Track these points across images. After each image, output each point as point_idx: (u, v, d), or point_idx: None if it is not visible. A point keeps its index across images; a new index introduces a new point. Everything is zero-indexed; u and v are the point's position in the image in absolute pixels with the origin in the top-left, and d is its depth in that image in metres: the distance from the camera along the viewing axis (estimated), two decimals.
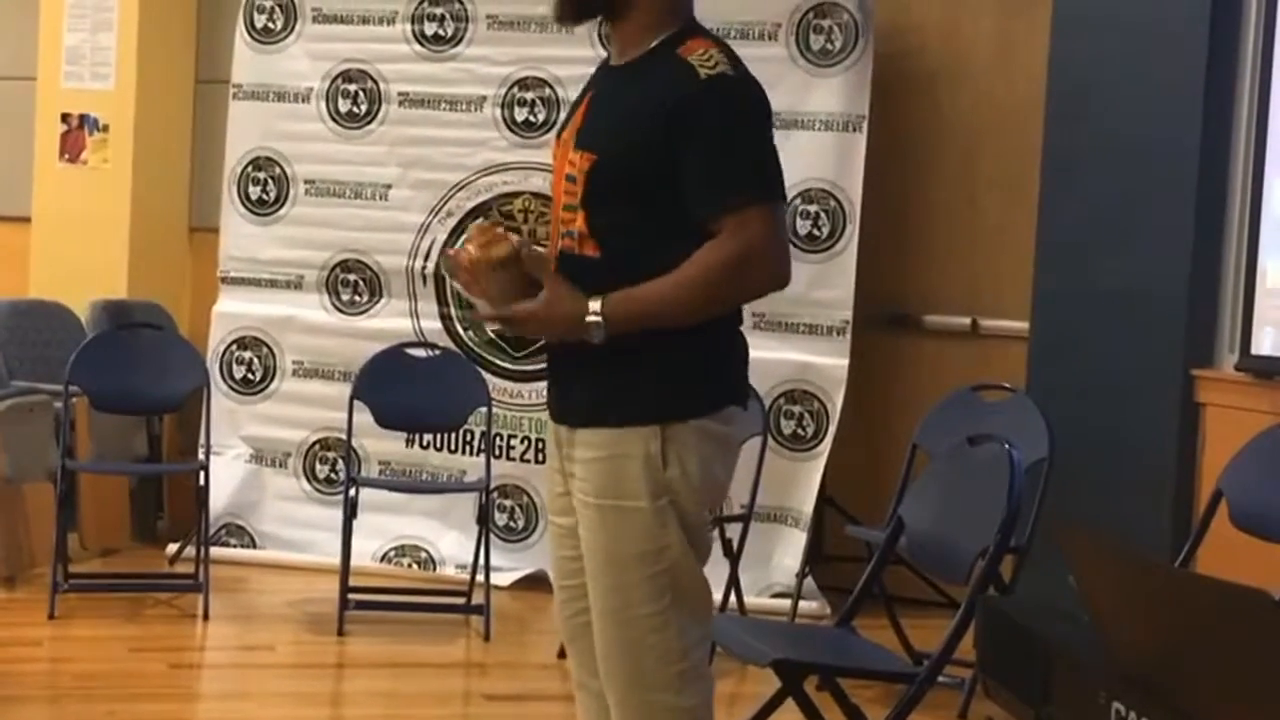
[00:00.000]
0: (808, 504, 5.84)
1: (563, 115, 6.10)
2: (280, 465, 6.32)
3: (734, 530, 5.24)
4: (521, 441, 6.14)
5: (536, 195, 6.18)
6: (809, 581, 5.68)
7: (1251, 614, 2.06)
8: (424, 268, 6.24)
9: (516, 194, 6.22)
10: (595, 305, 2.65)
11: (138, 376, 5.55)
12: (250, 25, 6.44)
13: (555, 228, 2.84)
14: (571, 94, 6.07)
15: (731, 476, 2.85)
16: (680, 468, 2.69)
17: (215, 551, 5.74)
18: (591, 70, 6.36)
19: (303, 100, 6.39)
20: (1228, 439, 4.72)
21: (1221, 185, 5.20)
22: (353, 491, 5.39)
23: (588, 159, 2.74)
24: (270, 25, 6.42)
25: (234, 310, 6.41)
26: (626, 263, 2.72)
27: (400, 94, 6.31)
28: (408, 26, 6.31)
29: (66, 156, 7.10)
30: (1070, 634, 2.74)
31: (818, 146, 5.90)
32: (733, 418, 2.79)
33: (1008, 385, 5.36)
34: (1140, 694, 2.41)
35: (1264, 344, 5.06)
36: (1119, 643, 2.50)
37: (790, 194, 5.92)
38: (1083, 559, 2.51)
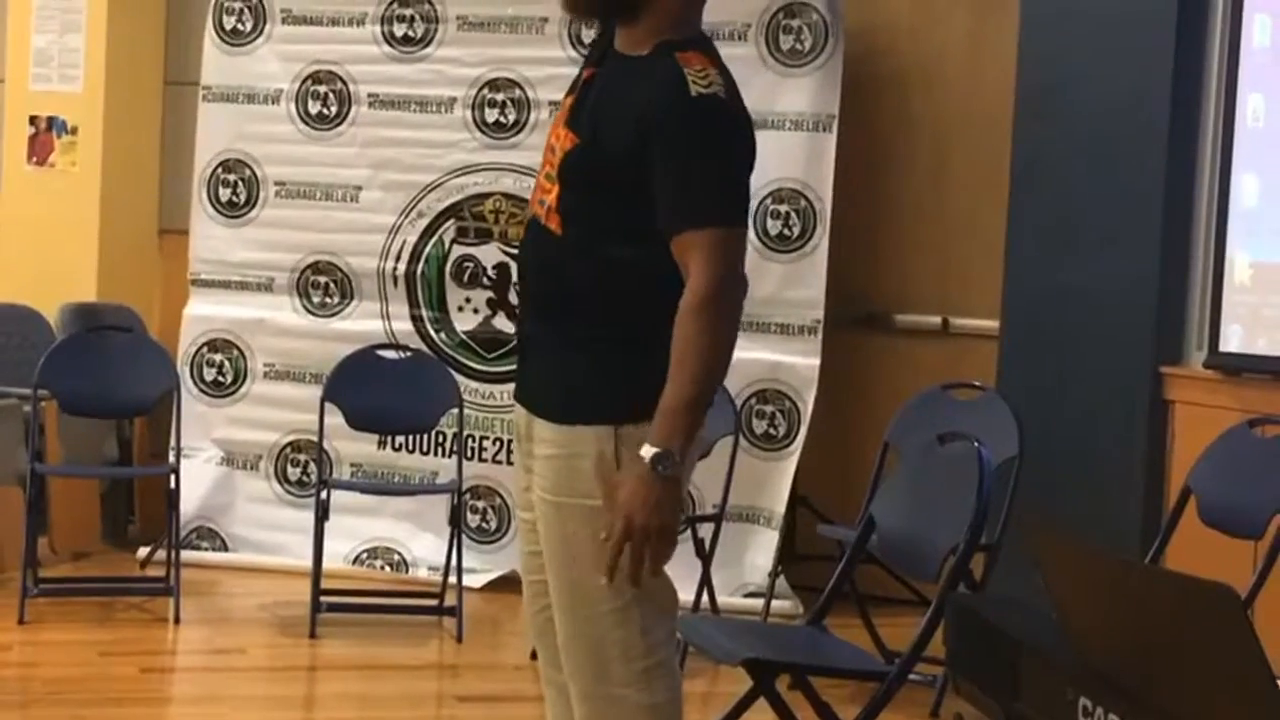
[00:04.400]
0: (780, 503, 5.85)
1: (533, 116, 6.18)
2: (251, 468, 6.29)
3: (706, 530, 5.25)
4: (494, 443, 6.13)
5: (508, 196, 6.18)
6: (781, 581, 5.69)
7: (1215, 608, 2.07)
8: (395, 269, 6.23)
9: (487, 195, 6.21)
10: (646, 449, 2.58)
11: (108, 379, 5.53)
12: (219, 27, 6.42)
13: (536, 190, 2.86)
14: (542, 95, 6.11)
15: (688, 479, 2.85)
16: None
17: (186, 555, 5.72)
18: (562, 70, 6.35)
19: (272, 102, 6.37)
20: (1196, 436, 4.75)
21: (1189, 182, 5.24)
22: (324, 494, 5.38)
23: (570, 139, 2.77)
24: (239, 27, 6.40)
25: (204, 313, 6.39)
26: (580, 249, 2.74)
27: (370, 95, 6.30)
28: (377, 28, 6.30)
29: (34, 159, 7.06)
30: (1038, 630, 2.75)
31: (788, 146, 5.91)
32: None
33: (978, 384, 5.38)
34: (1107, 689, 2.42)
35: (1232, 341, 5.10)
36: (1085, 638, 2.51)
37: (761, 194, 5.94)
38: (1048, 554, 2.52)
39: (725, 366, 2.67)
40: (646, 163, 2.66)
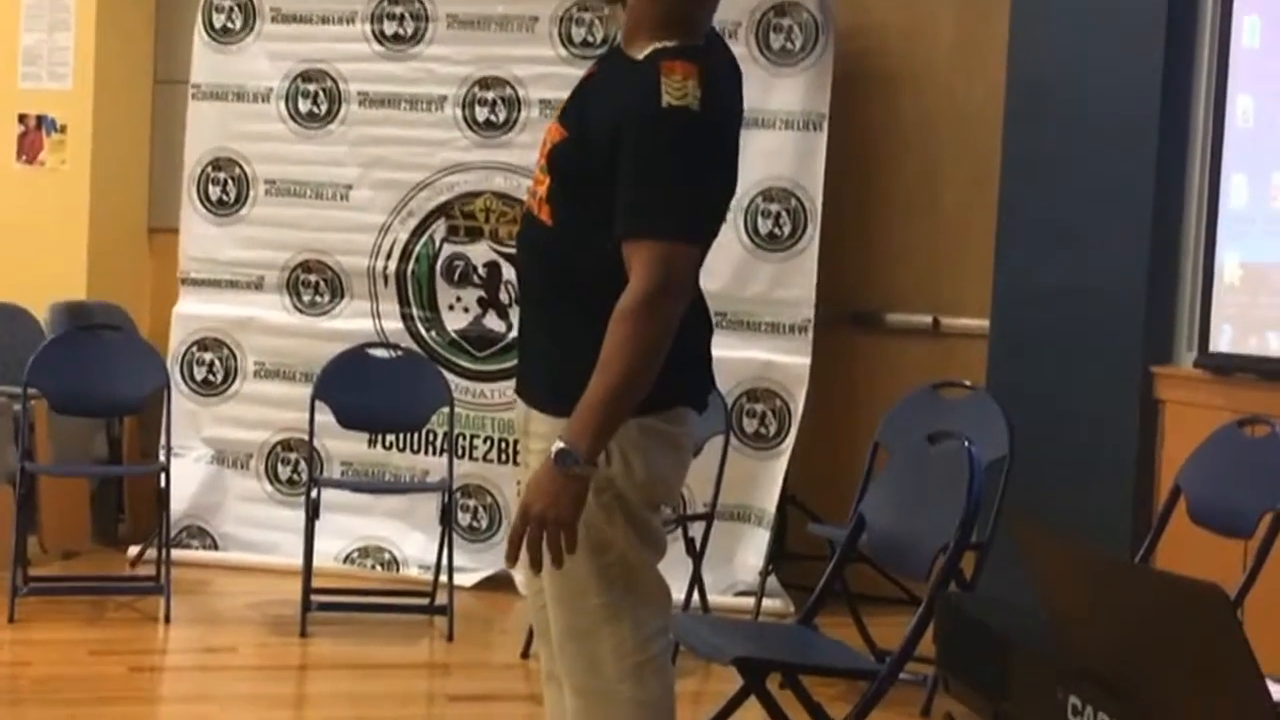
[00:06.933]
0: (770, 502, 5.85)
1: (523, 114, 6.19)
2: (242, 466, 6.29)
3: (697, 529, 5.25)
4: (484, 441, 6.12)
5: (498, 195, 6.18)
6: (772, 579, 5.70)
7: (1205, 608, 2.07)
8: (385, 268, 6.23)
9: (478, 193, 6.21)
10: (555, 444, 2.59)
11: (97, 378, 5.52)
12: (209, 25, 6.41)
13: (532, 183, 2.89)
14: (532, 93, 6.12)
15: (683, 476, 2.86)
16: (624, 463, 2.70)
17: (177, 553, 5.71)
18: (552, 69, 6.36)
19: (262, 100, 6.36)
20: (1186, 435, 4.76)
21: (1179, 183, 5.25)
22: (315, 492, 5.38)
23: (559, 132, 2.79)
24: (229, 25, 6.39)
25: (194, 311, 6.38)
26: (568, 240, 2.76)
27: (360, 94, 6.29)
28: (367, 26, 6.30)
29: (24, 158, 7.05)
30: (1027, 629, 2.76)
31: (778, 145, 5.92)
32: (683, 418, 2.78)
33: (968, 383, 5.38)
34: (1095, 688, 2.42)
35: (1222, 341, 5.11)
36: (1073, 636, 2.51)
37: (751, 193, 5.94)
38: (1036, 552, 2.52)
39: (649, 375, 2.62)
40: (614, 166, 2.66)
